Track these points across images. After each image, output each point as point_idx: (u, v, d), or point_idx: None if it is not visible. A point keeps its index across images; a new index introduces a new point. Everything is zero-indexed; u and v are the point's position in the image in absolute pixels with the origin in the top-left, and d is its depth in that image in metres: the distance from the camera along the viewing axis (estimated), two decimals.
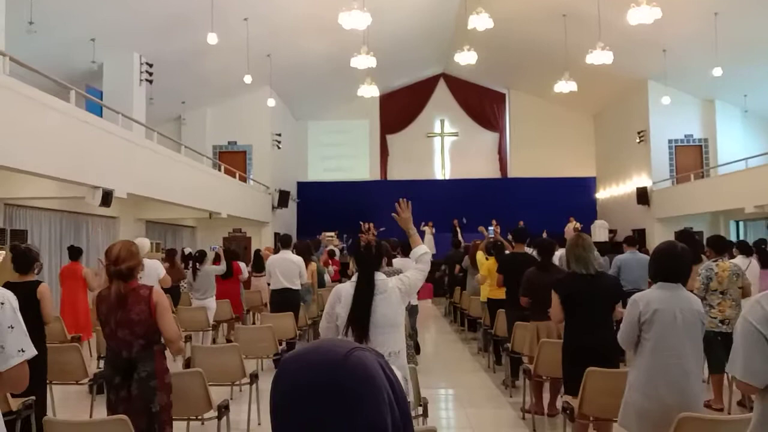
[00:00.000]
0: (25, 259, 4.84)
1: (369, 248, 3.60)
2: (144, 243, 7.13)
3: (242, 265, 10.40)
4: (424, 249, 3.78)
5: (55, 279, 9.99)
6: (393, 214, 3.90)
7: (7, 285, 4.24)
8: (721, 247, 6.10)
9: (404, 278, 3.62)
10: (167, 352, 3.50)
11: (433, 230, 19.48)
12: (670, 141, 18.05)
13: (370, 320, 3.39)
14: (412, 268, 3.75)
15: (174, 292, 9.40)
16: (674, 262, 3.34)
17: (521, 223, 16.27)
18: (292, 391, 0.89)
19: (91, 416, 4.99)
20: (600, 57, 12.22)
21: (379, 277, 3.52)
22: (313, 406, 0.87)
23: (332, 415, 0.87)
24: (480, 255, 8.75)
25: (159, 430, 3.30)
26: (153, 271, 6.77)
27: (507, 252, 7.48)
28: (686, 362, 3.19)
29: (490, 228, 15.91)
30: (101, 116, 10.46)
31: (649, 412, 3.18)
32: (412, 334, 7.55)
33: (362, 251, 3.62)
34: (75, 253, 8.34)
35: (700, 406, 3.20)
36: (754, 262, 7.94)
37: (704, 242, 6.93)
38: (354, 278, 3.57)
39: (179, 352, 3.69)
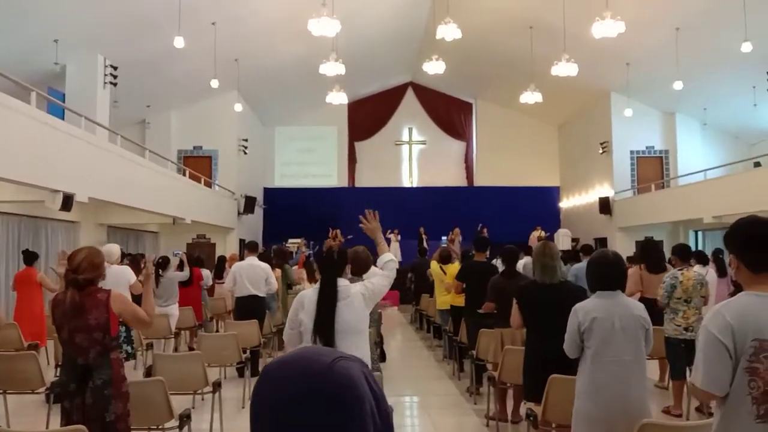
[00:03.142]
0: None
1: (331, 254, 3.58)
2: (114, 249, 6.90)
3: (205, 271, 10.26)
4: (390, 257, 3.80)
5: (11, 284, 9.71)
6: (360, 225, 3.91)
7: None
8: (685, 255, 6.26)
9: (368, 284, 3.61)
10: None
11: (399, 237, 19.53)
12: (632, 152, 18.45)
13: (334, 327, 3.37)
14: (377, 275, 3.75)
15: (137, 299, 9.20)
16: (608, 270, 3.44)
17: (483, 228, 16.43)
18: (274, 401, 0.87)
19: (47, 426, 4.86)
20: (565, 69, 12.45)
21: (342, 282, 3.51)
22: (297, 417, 0.86)
23: (316, 425, 0.85)
24: (434, 264, 8.85)
25: None
26: (123, 278, 6.49)
27: (467, 261, 7.60)
28: (627, 368, 3.26)
29: (443, 237, 16.07)
30: (63, 119, 10.23)
31: (595, 418, 3.25)
32: (378, 341, 7.55)
33: (324, 257, 3.61)
34: (30, 257, 8.13)
35: (645, 412, 3.24)
36: (711, 271, 8.16)
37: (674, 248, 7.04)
38: (317, 285, 3.56)
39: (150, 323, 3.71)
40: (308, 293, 3.54)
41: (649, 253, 7.38)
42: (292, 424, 0.86)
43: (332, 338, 3.34)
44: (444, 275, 8.37)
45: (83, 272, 3.27)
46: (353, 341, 3.41)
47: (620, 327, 3.27)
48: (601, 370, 3.26)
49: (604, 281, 3.41)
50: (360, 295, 3.50)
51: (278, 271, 9.09)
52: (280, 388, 0.87)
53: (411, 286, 13.56)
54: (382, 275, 3.71)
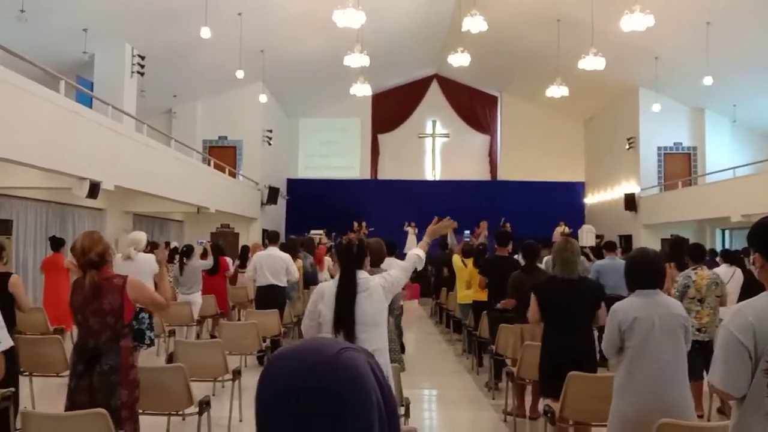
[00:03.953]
0: None
1: (350, 246, 3.60)
2: (141, 237, 6.95)
3: (228, 260, 10.35)
4: (419, 252, 3.85)
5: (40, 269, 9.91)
6: (437, 217, 4.13)
7: None
8: (698, 255, 6.15)
9: (387, 276, 3.64)
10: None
11: (416, 230, 19.48)
12: (659, 148, 18.17)
13: (354, 319, 3.39)
14: (396, 266, 3.77)
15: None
16: (648, 269, 3.39)
17: (506, 223, 16.29)
18: (279, 393, 0.87)
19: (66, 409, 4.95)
20: (592, 63, 12.29)
21: (362, 275, 3.52)
22: (301, 409, 0.85)
23: (321, 418, 0.85)
24: (456, 258, 8.81)
25: (119, 425, 3.23)
26: (148, 266, 6.45)
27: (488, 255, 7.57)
28: (667, 368, 3.22)
29: (466, 232, 15.96)
30: (91, 107, 10.38)
31: (632, 418, 3.21)
32: (398, 334, 7.56)
33: (344, 249, 3.63)
34: (57, 243, 8.26)
35: (686, 412, 3.20)
36: (738, 271, 8.00)
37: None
38: (337, 276, 3.58)
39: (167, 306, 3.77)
40: (328, 285, 3.58)
41: (678, 251, 7.27)
42: (296, 415, 0.85)
43: (353, 330, 3.37)
44: (466, 269, 8.35)
45: (90, 250, 3.32)
46: (373, 333, 3.44)
47: (660, 326, 3.24)
48: (641, 370, 3.23)
49: (644, 280, 3.36)
50: (380, 287, 3.53)
51: (299, 261, 9.13)
52: (284, 379, 0.87)
53: (432, 279, 13.53)
54: (400, 267, 3.74)
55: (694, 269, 5.95)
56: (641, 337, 3.24)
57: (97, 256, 3.33)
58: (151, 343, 6.96)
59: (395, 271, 3.71)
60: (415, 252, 3.83)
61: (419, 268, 3.92)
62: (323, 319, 3.44)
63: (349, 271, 3.52)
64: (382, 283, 3.55)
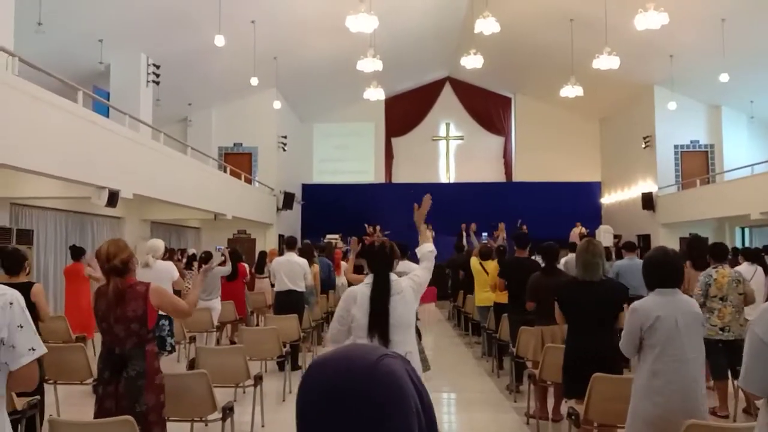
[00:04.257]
0: (14, 259, 4.80)
1: (383, 249, 3.59)
2: (159, 244, 6.97)
3: (246, 266, 10.41)
4: (430, 247, 3.81)
5: (60, 278, 10.02)
6: (415, 204, 4.02)
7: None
8: (719, 254, 6.09)
9: (414, 277, 3.64)
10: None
11: (433, 233, 19.41)
12: (675, 146, 18.01)
13: (389, 321, 3.38)
14: (418, 267, 3.78)
15: (175, 293, 9.40)
16: (667, 268, 3.36)
17: (523, 225, 16.21)
18: (319, 398, 0.88)
19: (95, 416, 4.99)
20: (607, 62, 12.22)
21: (393, 277, 3.53)
22: (341, 414, 0.86)
23: (360, 425, 0.86)
24: (474, 260, 8.77)
25: (146, 430, 3.26)
26: (167, 274, 6.48)
27: (508, 257, 7.53)
28: (690, 367, 3.21)
29: (484, 234, 15.91)
30: (108, 117, 10.49)
31: (655, 418, 3.18)
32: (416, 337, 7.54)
33: (376, 252, 3.61)
34: (77, 252, 8.35)
35: (704, 411, 3.19)
36: (759, 269, 7.90)
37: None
38: (368, 280, 3.56)
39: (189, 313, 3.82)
40: (360, 288, 3.55)
41: (696, 250, 7.21)
42: (337, 421, 0.86)
43: (387, 333, 3.36)
44: (484, 272, 8.32)
45: (114, 257, 3.35)
46: (405, 335, 3.45)
47: (683, 324, 3.22)
48: (664, 369, 3.20)
49: (664, 279, 3.33)
50: (410, 289, 3.54)
51: (316, 266, 9.16)
52: (325, 386, 0.88)
53: (449, 281, 13.49)
54: (423, 267, 3.73)
55: (715, 268, 5.90)
56: (665, 335, 3.21)
57: (121, 263, 3.36)
58: (172, 350, 7.02)
59: (421, 272, 3.70)
60: (427, 249, 3.80)
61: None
62: (356, 324, 3.43)
63: (383, 273, 3.52)
64: (411, 285, 3.56)
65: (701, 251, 7.17)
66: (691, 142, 18.05)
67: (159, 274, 6.27)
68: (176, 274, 6.74)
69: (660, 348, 3.22)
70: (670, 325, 3.21)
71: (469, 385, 7.49)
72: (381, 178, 23.25)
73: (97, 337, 7.68)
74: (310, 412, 0.89)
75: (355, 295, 3.51)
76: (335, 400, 0.87)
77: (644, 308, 3.30)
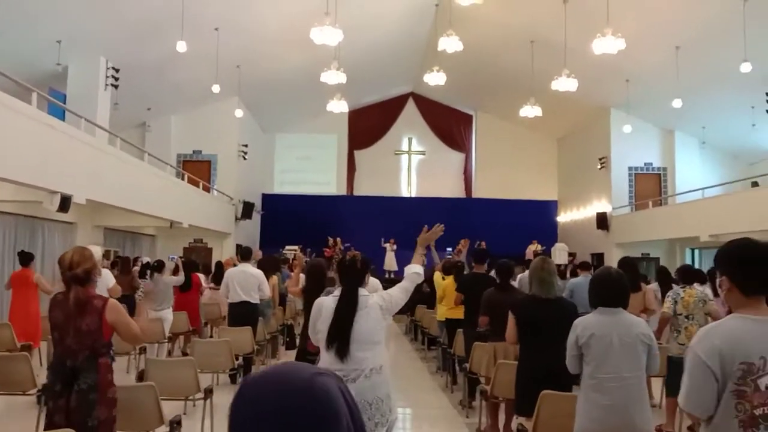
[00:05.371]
0: None
1: (354, 263, 3.54)
2: (95, 250, 6.87)
3: (201, 276, 10.25)
4: (417, 269, 3.72)
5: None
6: (425, 226, 3.98)
7: None
8: (689, 276, 6.30)
9: (386, 296, 3.58)
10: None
11: (395, 247, 19.50)
12: (630, 168, 18.51)
13: (350, 336, 3.34)
14: (396, 287, 3.69)
15: (129, 302, 9.20)
16: (610, 287, 3.45)
17: (482, 243, 16.41)
18: (253, 415, 0.88)
19: (37, 429, 4.83)
20: (565, 84, 12.50)
21: (362, 292, 3.48)
22: (278, 430, 0.86)
23: None
24: (437, 275, 8.81)
25: None
26: (102, 282, 6.48)
27: (466, 272, 7.58)
28: (626, 385, 3.26)
29: (448, 249, 16.03)
30: (63, 120, 10.25)
31: None
32: None
33: (347, 266, 3.55)
34: (26, 258, 8.10)
35: (646, 429, 3.25)
36: (708, 290, 8.13)
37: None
38: (336, 292, 3.52)
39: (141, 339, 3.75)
40: (327, 301, 3.50)
41: (625, 272, 7.37)
42: None
43: (347, 347, 3.31)
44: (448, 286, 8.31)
45: (78, 265, 3.28)
46: (371, 351, 3.38)
47: (619, 344, 3.28)
48: (599, 387, 3.27)
49: (605, 298, 3.42)
50: (377, 306, 3.46)
51: (274, 278, 9.07)
52: (257, 404, 0.88)
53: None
54: (401, 287, 3.65)
55: (683, 287, 6.08)
56: (599, 353, 3.30)
57: (84, 272, 3.28)
58: (112, 360, 6.86)
59: (395, 291, 3.62)
60: (414, 270, 3.71)
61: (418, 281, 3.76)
62: (321, 336, 3.40)
63: (351, 287, 3.46)
64: (380, 303, 3.48)
65: (630, 273, 7.34)
66: (645, 164, 18.56)
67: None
68: (111, 282, 6.81)
69: (595, 364, 3.30)
70: (605, 343, 3.29)
71: (423, 400, 7.50)
72: (343, 191, 23.27)
73: (44, 346, 7.45)
74: (242, 429, 0.89)
75: (321, 308, 3.48)
76: (269, 416, 0.87)
77: (582, 325, 3.39)
